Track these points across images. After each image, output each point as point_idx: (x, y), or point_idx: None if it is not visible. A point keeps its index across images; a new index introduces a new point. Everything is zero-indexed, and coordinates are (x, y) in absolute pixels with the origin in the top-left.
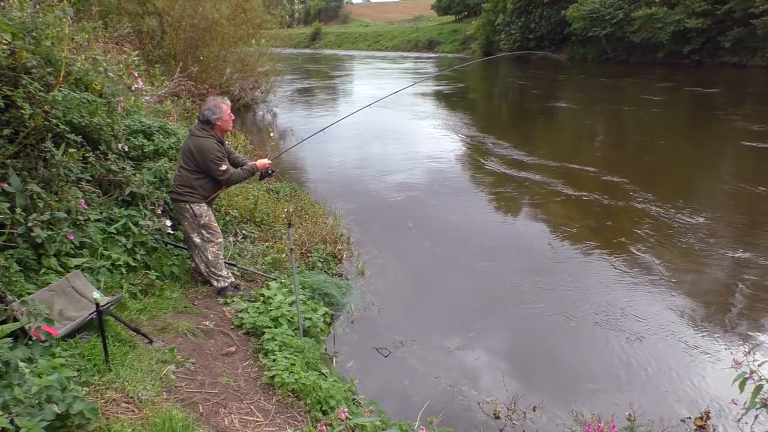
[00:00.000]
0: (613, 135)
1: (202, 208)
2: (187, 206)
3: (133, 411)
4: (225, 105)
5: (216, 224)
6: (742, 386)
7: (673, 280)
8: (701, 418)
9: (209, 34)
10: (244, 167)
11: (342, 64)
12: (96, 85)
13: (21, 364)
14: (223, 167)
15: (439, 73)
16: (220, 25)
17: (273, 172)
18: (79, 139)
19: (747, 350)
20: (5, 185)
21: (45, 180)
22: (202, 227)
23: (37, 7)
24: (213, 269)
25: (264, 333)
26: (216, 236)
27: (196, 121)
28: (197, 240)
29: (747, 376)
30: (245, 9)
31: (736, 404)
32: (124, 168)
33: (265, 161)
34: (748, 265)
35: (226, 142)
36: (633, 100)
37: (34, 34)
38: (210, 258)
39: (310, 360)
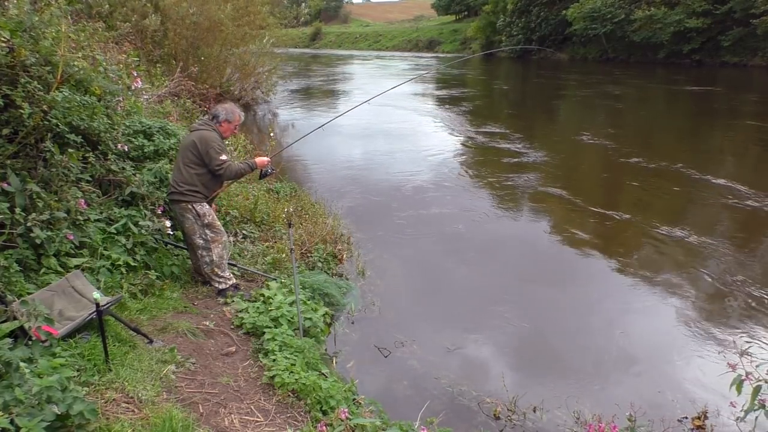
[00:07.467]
0: (613, 133)
1: (204, 208)
2: (190, 206)
3: (133, 411)
4: (240, 114)
5: (219, 223)
6: (739, 389)
7: (673, 280)
8: (699, 418)
9: (211, 34)
10: (243, 161)
11: (342, 64)
12: (96, 87)
13: (21, 364)
14: (223, 157)
15: (433, 72)
16: (223, 25)
17: (273, 171)
18: (78, 139)
19: (741, 352)
20: (5, 185)
21: (44, 180)
22: (206, 227)
23: (35, 5)
24: (216, 269)
25: (264, 333)
26: (220, 235)
27: (197, 120)
28: (200, 241)
29: (743, 378)
30: (250, 12)
31: (735, 407)
32: (124, 168)
33: (264, 159)
34: (745, 266)
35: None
36: (632, 99)
37: (32, 33)
38: (214, 258)
39: (310, 360)
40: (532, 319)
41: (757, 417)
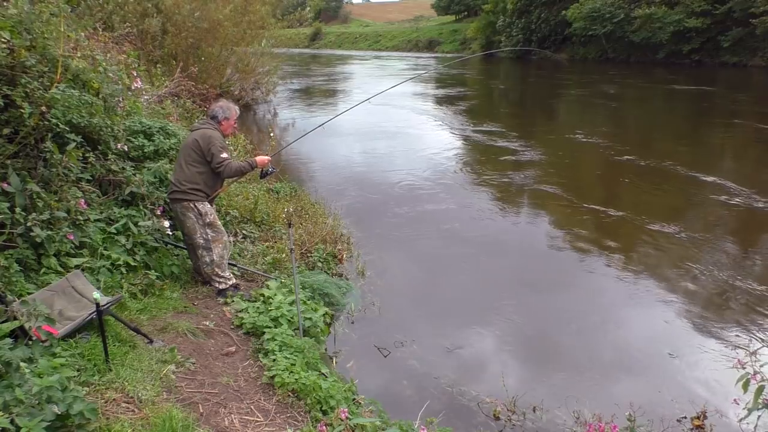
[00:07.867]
0: (610, 132)
1: (206, 207)
2: (191, 205)
3: (133, 411)
4: (235, 110)
5: (219, 222)
6: (745, 387)
7: (674, 279)
8: (698, 418)
9: (211, 34)
10: (244, 160)
11: (341, 64)
12: (94, 83)
13: (21, 364)
14: (225, 155)
15: (433, 71)
16: (222, 26)
17: (273, 170)
18: (78, 138)
19: (750, 351)
20: (5, 185)
21: (45, 180)
22: (207, 226)
23: (33, 4)
24: (217, 269)
25: (264, 333)
26: (221, 234)
27: (198, 120)
28: (200, 241)
29: (750, 376)
30: (249, 12)
31: (738, 404)
32: (124, 168)
33: (265, 158)
34: (743, 265)
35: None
36: (631, 99)
37: (28, 28)
38: (215, 258)
39: (310, 360)
40: (532, 318)
41: (759, 416)
